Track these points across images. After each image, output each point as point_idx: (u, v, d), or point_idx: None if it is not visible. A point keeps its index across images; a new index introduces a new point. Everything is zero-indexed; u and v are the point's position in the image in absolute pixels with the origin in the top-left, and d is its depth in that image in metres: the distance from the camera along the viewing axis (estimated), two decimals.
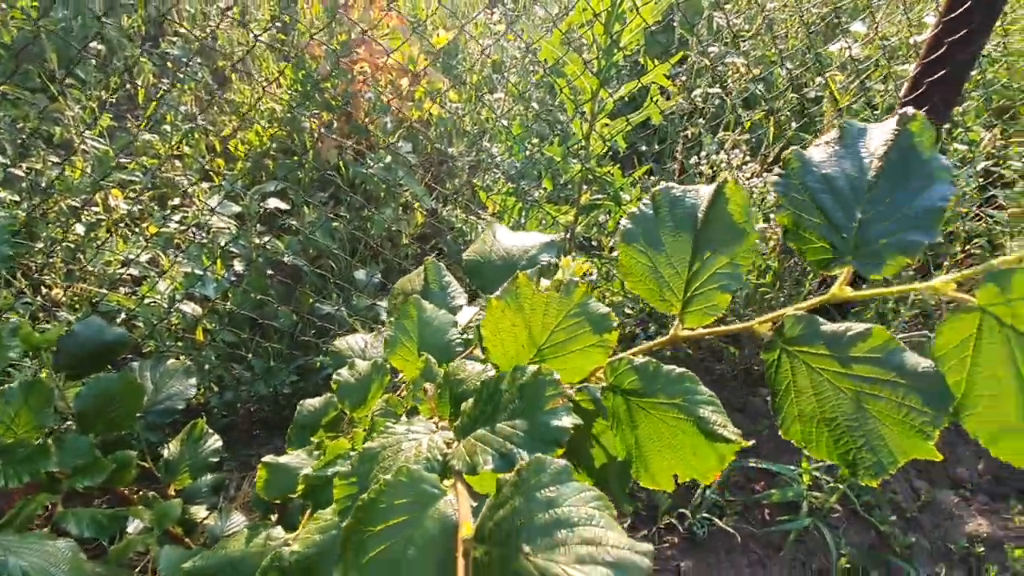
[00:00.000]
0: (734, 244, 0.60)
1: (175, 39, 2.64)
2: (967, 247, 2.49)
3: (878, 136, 0.58)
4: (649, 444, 0.64)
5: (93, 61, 2.75)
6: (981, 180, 2.45)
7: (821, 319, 0.57)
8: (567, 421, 0.51)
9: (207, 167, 2.57)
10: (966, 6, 1.32)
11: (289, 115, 2.74)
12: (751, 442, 0.61)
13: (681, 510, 1.73)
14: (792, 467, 1.81)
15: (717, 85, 2.48)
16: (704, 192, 0.63)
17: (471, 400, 0.59)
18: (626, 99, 1.49)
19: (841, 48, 1.96)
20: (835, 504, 1.76)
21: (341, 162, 2.61)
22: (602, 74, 1.41)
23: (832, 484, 1.77)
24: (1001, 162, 2.53)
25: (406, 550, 0.45)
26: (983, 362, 0.51)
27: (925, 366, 0.51)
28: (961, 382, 0.52)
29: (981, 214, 2.43)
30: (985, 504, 1.85)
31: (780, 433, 0.59)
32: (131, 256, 1.69)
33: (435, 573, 0.44)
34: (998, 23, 2.56)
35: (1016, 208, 2.43)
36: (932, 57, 1.42)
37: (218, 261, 1.88)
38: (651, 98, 1.48)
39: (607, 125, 1.54)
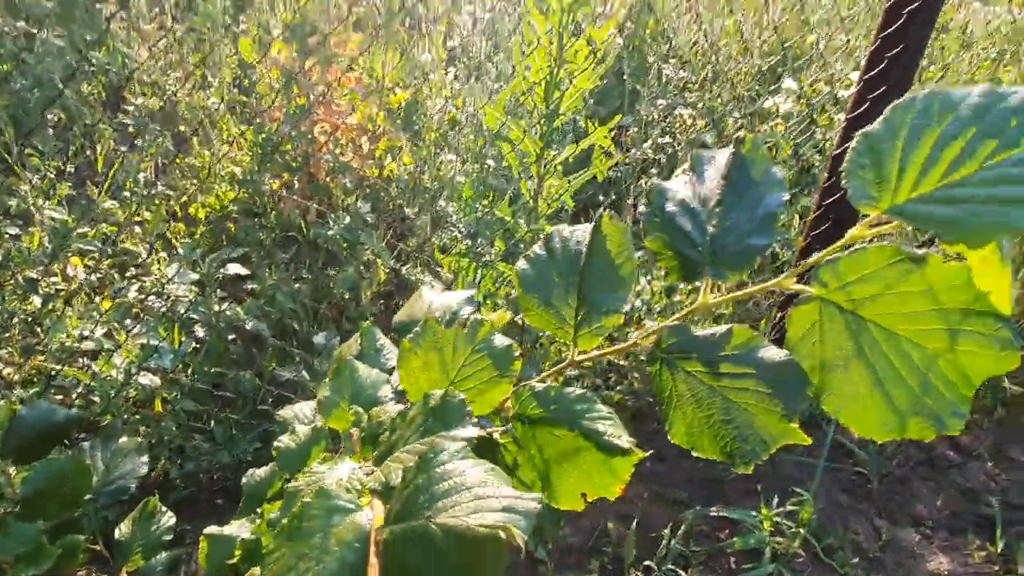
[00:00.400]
0: (613, 272, 0.67)
1: (132, 108, 2.66)
2: None
3: (720, 161, 0.65)
4: (556, 467, 0.68)
5: (51, 131, 2.76)
6: None
7: (692, 327, 0.63)
8: (472, 431, 0.56)
9: (167, 232, 2.57)
10: (883, 65, 1.40)
11: (250, 177, 2.76)
12: (648, 452, 0.65)
13: (647, 563, 1.73)
14: (754, 512, 1.83)
15: (667, 136, 2.56)
16: (587, 229, 0.70)
17: (387, 431, 0.64)
18: (571, 161, 1.55)
19: (774, 103, 2.05)
20: (798, 549, 1.78)
21: (302, 222, 2.63)
22: (545, 138, 1.46)
23: (794, 529, 1.79)
24: None
25: (321, 559, 0.48)
26: (830, 345, 0.56)
27: (782, 357, 0.57)
28: (815, 367, 0.56)
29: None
30: (945, 540, 1.87)
31: (669, 438, 0.63)
32: (86, 333, 1.68)
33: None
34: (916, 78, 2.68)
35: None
36: (857, 112, 1.49)
37: (176, 330, 1.87)
38: (594, 159, 1.53)
39: (554, 185, 1.59)
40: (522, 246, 1.63)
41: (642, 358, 1.97)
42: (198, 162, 2.85)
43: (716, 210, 0.62)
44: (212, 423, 1.96)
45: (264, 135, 2.69)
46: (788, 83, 2.06)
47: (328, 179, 2.73)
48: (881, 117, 0.52)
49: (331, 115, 2.73)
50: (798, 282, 0.57)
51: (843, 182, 0.52)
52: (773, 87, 2.69)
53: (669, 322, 0.64)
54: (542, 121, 1.41)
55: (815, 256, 0.55)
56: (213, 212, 2.71)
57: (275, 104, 2.72)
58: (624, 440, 0.63)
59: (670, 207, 0.64)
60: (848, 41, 2.90)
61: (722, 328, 0.61)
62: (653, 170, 2.56)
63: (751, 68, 2.71)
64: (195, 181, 2.81)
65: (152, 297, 2.04)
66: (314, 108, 2.70)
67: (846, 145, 1.60)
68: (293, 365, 2.01)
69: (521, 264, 0.72)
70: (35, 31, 3.17)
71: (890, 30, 1.37)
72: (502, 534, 0.42)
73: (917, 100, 0.51)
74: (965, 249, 0.50)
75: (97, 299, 2.15)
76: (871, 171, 0.51)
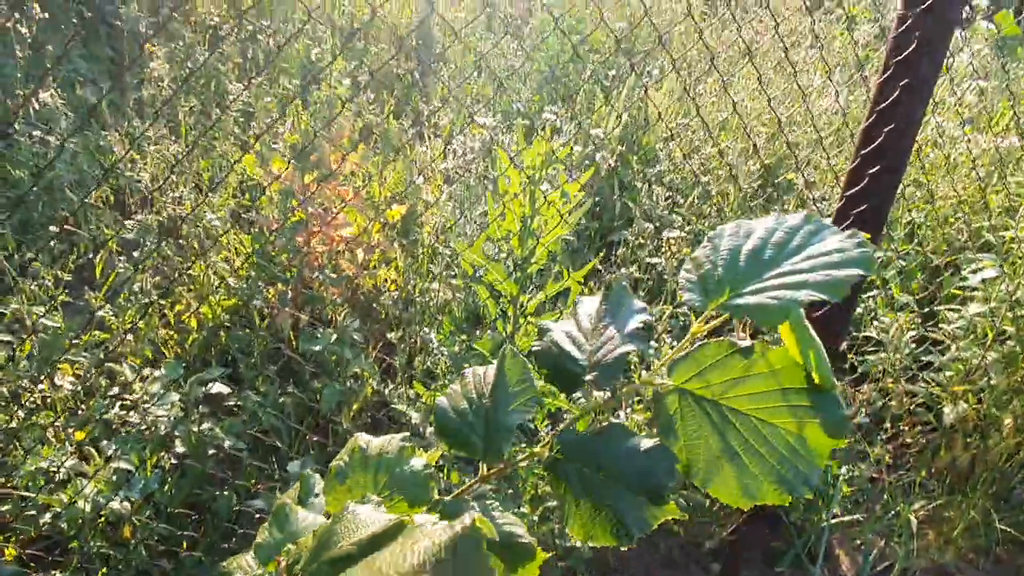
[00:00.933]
0: (512, 399, 0.76)
1: (132, 224, 2.74)
2: (910, 407, 2.54)
3: (595, 302, 0.80)
4: None
5: (54, 242, 2.83)
6: (914, 346, 2.54)
7: (578, 431, 0.72)
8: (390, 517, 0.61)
9: (158, 341, 2.60)
10: (849, 221, 1.43)
11: (245, 285, 2.81)
12: (551, 554, 0.73)
13: None
14: None
15: (656, 256, 2.60)
16: (494, 368, 0.81)
17: (308, 545, 0.68)
18: (547, 301, 1.57)
19: None
20: None
21: (292, 334, 2.65)
22: (520, 281, 1.48)
23: None
24: (934, 325, 2.63)
25: None
26: (691, 428, 0.65)
27: (652, 444, 0.66)
28: (682, 449, 0.65)
29: (923, 380, 2.50)
30: None
31: (568, 533, 0.78)
32: (56, 464, 1.68)
33: None
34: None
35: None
36: None
37: (151, 452, 1.87)
38: (570, 301, 1.56)
39: (530, 323, 1.61)
40: None
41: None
42: (195, 271, 2.90)
43: (592, 332, 0.75)
44: (184, 546, 1.92)
45: (260, 246, 2.75)
46: None
47: (322, 289, 2.77)
48: (703, 242, 0.67)
49: (329, 228, 2.80)
50: (664, 377, 0.67)
51: (679, 291, 0.65)
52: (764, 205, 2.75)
53: (558, 429, 0.73)
54: (516, 268, 1.44)
55: (670, 353, 0.65)
56: (206, 321, 2.74)
57: (274, 217, 2.80)
58: (525, 537, 0.71)
59: (558, 338, 0.77)
60: (833, 164, 2.98)
61: (602, 427, 0.71)
62: (641, 292, 2.59)
63: (737, 191, 2.78)
64: (192, 288, 2.85)
65: (133, 413, 2.04)
66: (311, 220, 2.77)
67: None
68: (268, 493, 1.99)
69: (440, 400, 0.81)
70: (51, 138, 3.30)
71: (853, 191, 1.41)
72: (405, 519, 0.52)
73: (727, 228, 0.67)
74: (782, 330, 0.63)
75: (77, 415, 2.15)
76: (699, 282, 0.65)
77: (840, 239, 0.63)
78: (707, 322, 0.67)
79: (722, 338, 0.65)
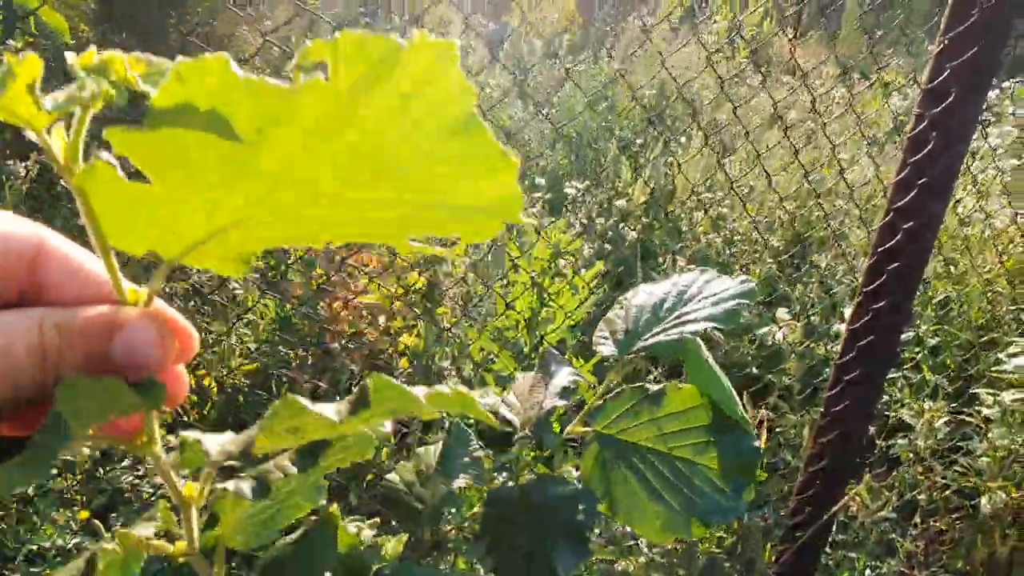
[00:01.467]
0: (456, 467, 0.80)
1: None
2: (944, 495, 2.43)
3: (532, 375, 0.84)
4: None
5: None
6: (947, 429, 2.44)
7: (512, 486, 0.77)
8: None
9: (178, 409, 2.62)
10: (868, 318, 1.39)
11: (267, 350, 2.83)
12: None
13: None
14: None
15: None
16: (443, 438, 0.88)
17: None
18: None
19: (770, 330, 2.06)
20: None
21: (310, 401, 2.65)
22: (528, 369, 1.46)
23: None
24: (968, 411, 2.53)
25: None
26: (613, 470, 0.70)
27: (573, 489, 0.70)
28: (605, 491, 0.70)
29: (958, 466, 2.40)
30: None
31: None
32: (62, 542, 1.68)
33: None
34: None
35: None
36: (846, 358, 1.47)
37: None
38: (583, 389, 1.53)
39: None
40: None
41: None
42: (217, 333, 2.94)
43: (527, 396, 0.79)
44: None
45: (284, 313, 2.78)
46: (781, 312, 2.07)
47: (342, 355, 2.78)
48: (614, 306, 0.74)
49: (350, 293, 2.82)
50: (585, 426, 0.72)
51: (594, 346, 0.70)
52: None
53: (491, 488, 0.76)
54: (524, 359, 1.43)
55: (594, 400, 0.71)
56: (225, 384, 2.76)
57: (296, 283, 2.83)
58: None
59: (512, 400, 0.82)
60: (862, 237, 2.93)
61: (532, 479, 0.74)
62: (663, 367, 2.55)
63: (763, 265, 2.74)
64: (214, 351, 2.88)
65: (146, 483, 2.04)
66: (335, 287, 2.80)
67: (837, 387, 1.57)
68: None
69: (389, 475, 0.84)
70: None
71: (872, 286, 1.37)
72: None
73: (635, 291, 0.75)
74: (689, 370, 0.69)
75: (96, 477, 2.16)
76: (611, 337, 0.72)
77: (727, 280, 0.71)
78: (623, 367, 0.74)
79: (636, 384, 0.71)
